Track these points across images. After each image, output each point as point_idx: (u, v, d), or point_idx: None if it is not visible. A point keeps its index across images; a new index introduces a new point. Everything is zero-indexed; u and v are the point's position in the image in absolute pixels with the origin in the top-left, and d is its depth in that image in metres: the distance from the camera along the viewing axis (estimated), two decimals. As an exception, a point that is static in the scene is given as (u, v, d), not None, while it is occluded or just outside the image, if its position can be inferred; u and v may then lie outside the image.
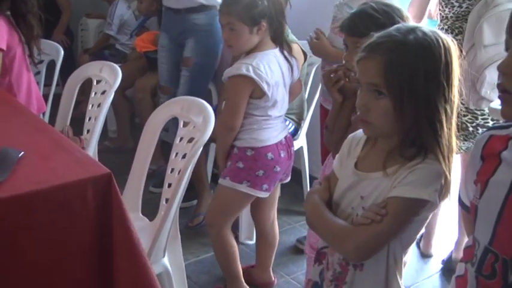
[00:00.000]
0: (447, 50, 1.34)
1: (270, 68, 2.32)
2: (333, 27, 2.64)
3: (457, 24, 2.59)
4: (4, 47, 2.48)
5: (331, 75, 1.85)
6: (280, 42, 2.39)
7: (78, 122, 2.79)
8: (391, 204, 1.34)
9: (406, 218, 1.36)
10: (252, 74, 2.26)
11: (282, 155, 2.42)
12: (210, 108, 2.08)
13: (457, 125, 1.39)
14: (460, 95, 1.39)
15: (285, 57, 2.41)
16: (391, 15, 1.72)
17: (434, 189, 1.34)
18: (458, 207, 1.48)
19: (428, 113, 1.34)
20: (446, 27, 2.63)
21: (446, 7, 2.60)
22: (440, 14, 2.67)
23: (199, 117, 2.08)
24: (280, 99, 2.39)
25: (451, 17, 2.59)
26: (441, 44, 1.34)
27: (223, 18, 2.34)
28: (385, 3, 1.81)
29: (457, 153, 2.67)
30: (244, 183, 2.36)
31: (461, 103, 2.29)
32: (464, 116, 2.55)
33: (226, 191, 2.40)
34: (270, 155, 2.37)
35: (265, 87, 2.29)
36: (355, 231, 1.37)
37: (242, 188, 2.37)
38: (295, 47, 2.87)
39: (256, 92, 2.30)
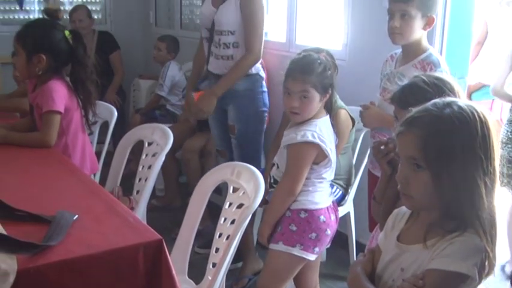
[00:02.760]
0: (484, 123, 1.35)
1: (328, 134, 2.38)
2: (384, 98, 2.65)
3: None
4: (62, 110, 2.58)
5: (381, 148, 1.86)
6: (330, 109, 2.44)
7: (126, 180, 2.84)
8: (429, 276, 1.34)
9: None
10: (318, 141, 2.31)
11: (332, 218, 2.43)
12: (260, 175, 2.09)
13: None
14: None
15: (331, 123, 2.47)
16: (441, 89, 1.72)
17: (473, 264, 1.32)
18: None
19: (467, 187, 1.34)
20: None
21: None
22: None
23: (250, 184, 2.09)
24: (334, 163, 2.44)
25: None
26: (477, 118, 1.35)
27: (297, 85, 2.35)
28: (437, 76, 1.82)
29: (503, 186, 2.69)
30: (297, 246, 2.36)
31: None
32: None
33: (278, 256, 2.40)
34: (322, 217, 2.38)
35: (329, 152, 2.34)
36: None
37: (295, 251, 2.37)
38: (343, 113, 2.90)
39: (318, 157, 2.35)
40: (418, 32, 2.50)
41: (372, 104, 2.64)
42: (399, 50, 2.64)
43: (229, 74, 3.24)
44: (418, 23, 2.47)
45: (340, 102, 2.99)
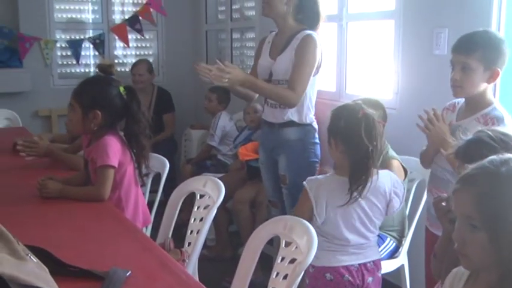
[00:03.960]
0: None
1: (336, 195, 2.38)
2: (446, 152, 2.50)
3: None
4: (116, 165, 2.62)
5: (443, 204, 1.80)
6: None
7: (177, 230, 2.85)
8: None
9: None
10: (309, 191, 2.37)
11: (346, 279, 2.40)
12: (313, 231, 2.06)
13: None
14: None
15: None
16: (509, 145, 1.66)
17: None
18: None
19: None
20: None
21: None
22: None
23: (303, 239, 2.06)
24: (331, 228, 2.41)
25: None
26: None
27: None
28: (502, 131, 1.74)
29: None
30: None
31: None
32: None
33: None
34: (328, 275, 2.39)
35: (316, 209, 2.34)
36: None
37: None
38: (395, 164, 2.86)
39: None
40: (480, 86, 2.38)
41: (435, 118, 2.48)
42: (462, 100, 2.53)
43: (270, 86, 3.25)
44: (479, 76, 2.36)
45: (391, 153, 2.95)
